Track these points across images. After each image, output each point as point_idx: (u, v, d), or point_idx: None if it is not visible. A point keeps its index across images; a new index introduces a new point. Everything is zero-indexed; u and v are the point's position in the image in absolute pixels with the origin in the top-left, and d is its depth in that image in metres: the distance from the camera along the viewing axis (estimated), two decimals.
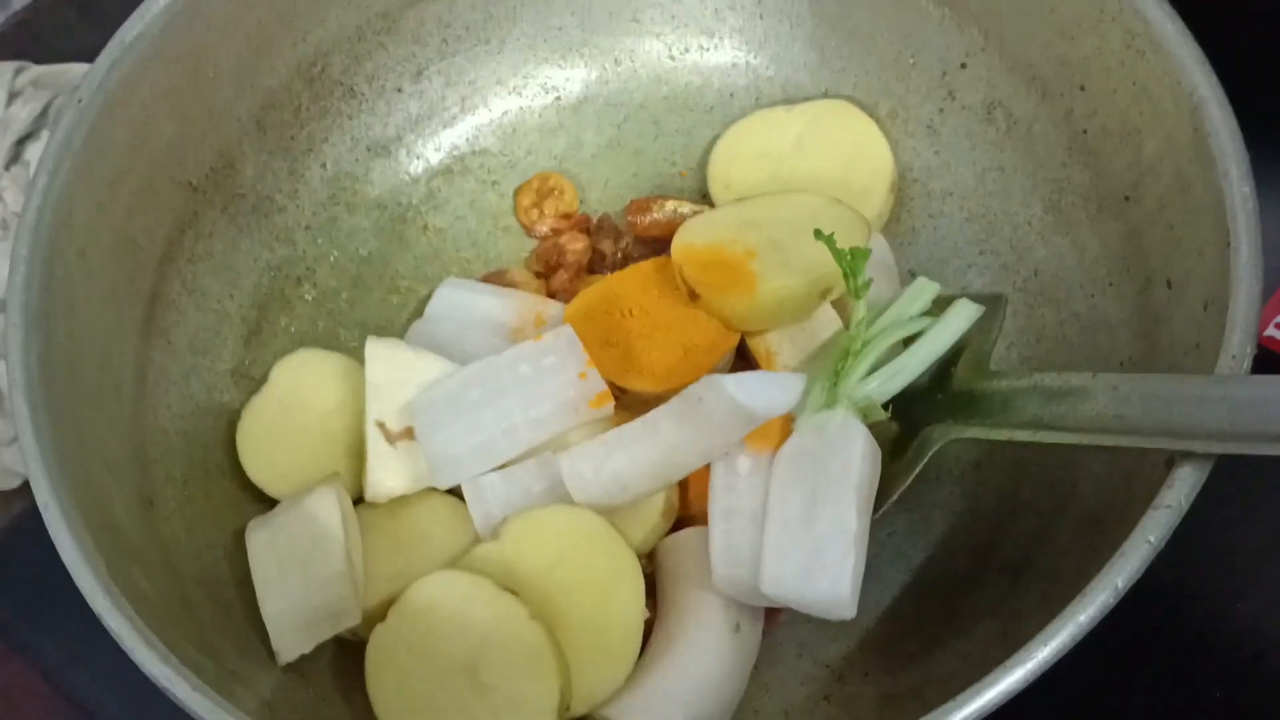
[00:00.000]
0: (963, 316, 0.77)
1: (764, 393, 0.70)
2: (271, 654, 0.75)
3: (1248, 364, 0.64)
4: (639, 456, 0.73)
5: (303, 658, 0.76)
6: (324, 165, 0.94)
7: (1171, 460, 0.63)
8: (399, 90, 0.96)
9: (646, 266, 0.86)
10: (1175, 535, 0.61)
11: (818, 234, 0.74)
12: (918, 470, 0.70)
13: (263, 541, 0.77)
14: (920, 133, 0.93)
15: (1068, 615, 0.59)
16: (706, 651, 0.75)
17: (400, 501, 0.81)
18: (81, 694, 0.90)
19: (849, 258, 0.73)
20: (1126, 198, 0.79)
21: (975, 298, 0.78)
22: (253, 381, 0.87)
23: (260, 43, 0.87)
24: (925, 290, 0.79)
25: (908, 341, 0.78)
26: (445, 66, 0.97)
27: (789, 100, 0.96)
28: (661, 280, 0.84)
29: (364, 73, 0.94)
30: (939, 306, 0.80)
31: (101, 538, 0.68)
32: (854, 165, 0.91)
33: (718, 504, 0.75)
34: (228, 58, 0.85)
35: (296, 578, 0.76)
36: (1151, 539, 0.60)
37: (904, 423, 0.71)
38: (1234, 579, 0.86)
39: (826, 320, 0.84)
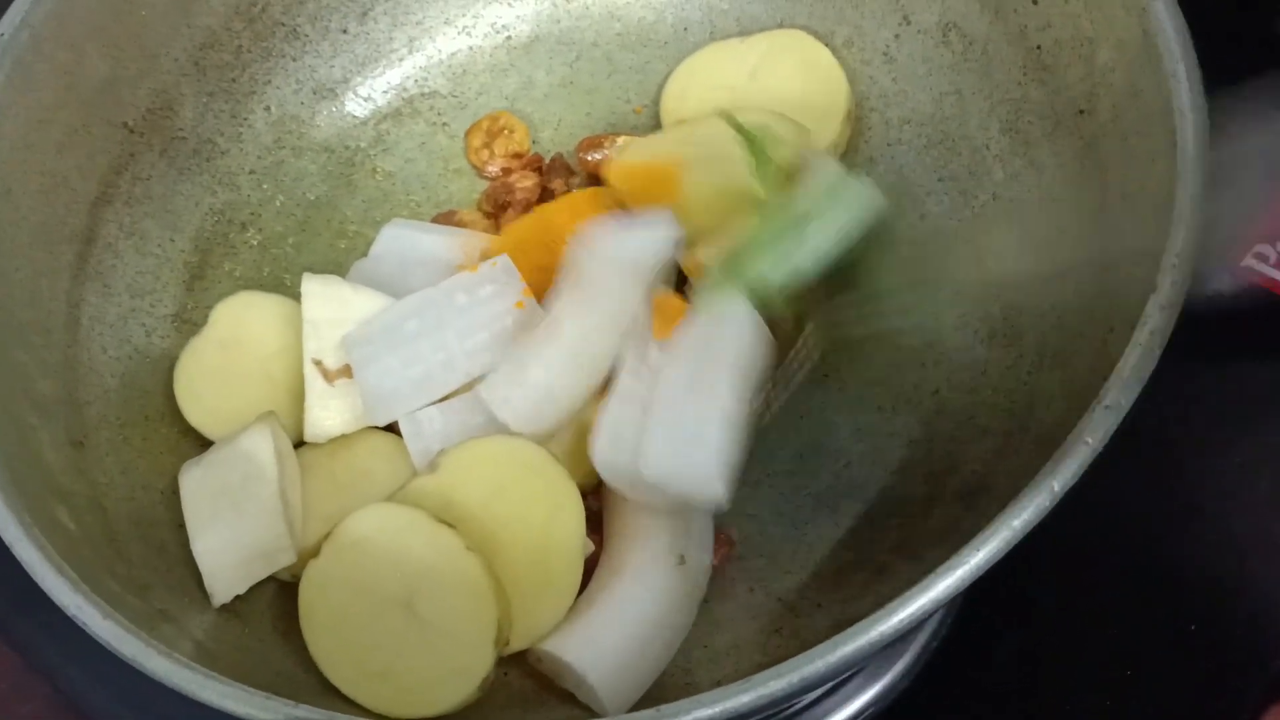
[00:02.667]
0: (856, 199, 0.73)
1: (633, 235, 0.68)
2: (207, 595, 0.73)
3: (1191, 266, 0.62)
4: (553, 359, 0.71)
5: (241, 599, 0.74)
6: (268, 108, 0.93)
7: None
8: (344, 31, 0.94)
9: (578, 196, 0.85)
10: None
11: (722, 113, 0.73)
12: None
13: (195, 480, 0.76)
14: (877, 60, 0.90)
15: (1002, 520, 0.57)
16: (649, 585, 0.72)
17: (340, 441, 0.79)
18: (78, 692, 0.88)
19: (754, 138, 0.71)
20: (1081, 111, 0.76)
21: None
22: (194, 327, 0.85)
23: None
24: (826, 169, 0.75)
25: None
26: (391, 6, 0.95)
27: (744, 32, 0.94)
28: (594, 208, 0.83)
29: (307, 13, 0.92)
30: None
31: (22, 473, 0.67)
32: (809, 94, 0.89)
33: (616, 386, 0.72)
34: None
35: (229, 516, 0.74)
36: (1090, 440, 0.58)
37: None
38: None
39: None
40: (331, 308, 0.79)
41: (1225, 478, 0.86)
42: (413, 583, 0.70)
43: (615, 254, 0.70)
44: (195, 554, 0.74)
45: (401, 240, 0.87)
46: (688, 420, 0.69)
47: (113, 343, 0.81)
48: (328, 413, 0.78)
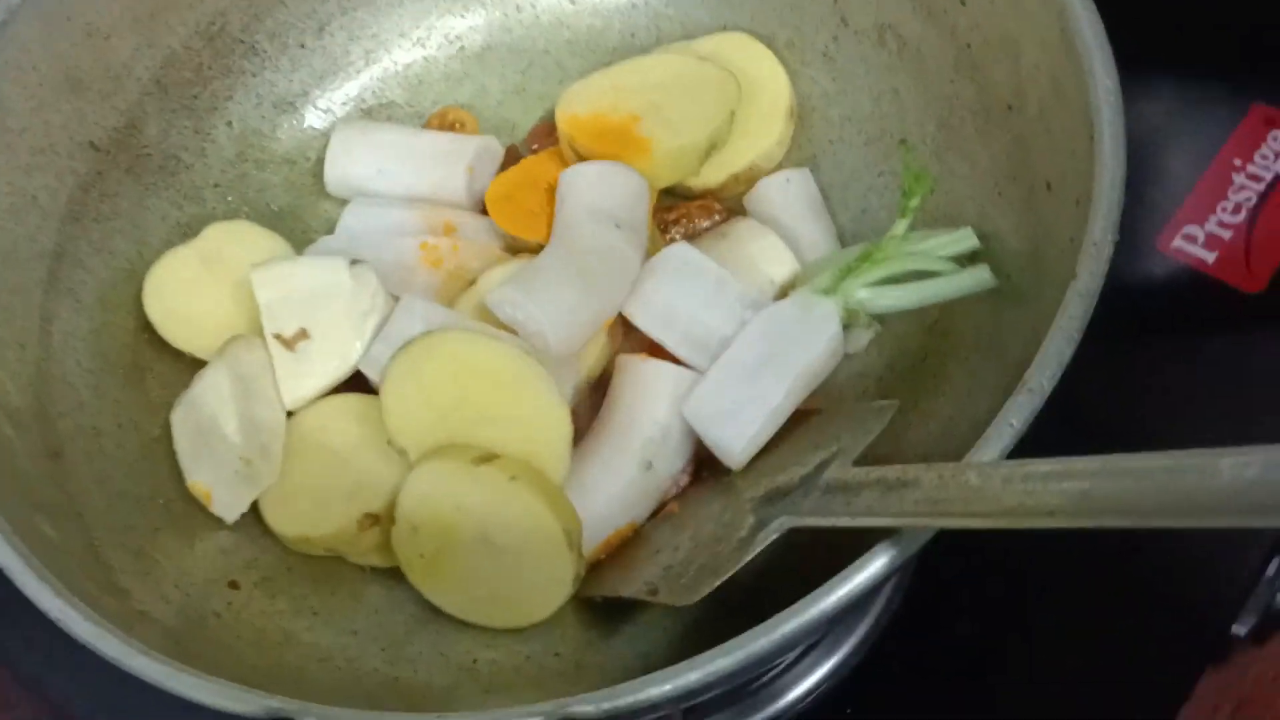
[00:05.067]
0: (976, 278, 0.78)
1: (600, 189, 0.84)
2: (186, 595, 0.76)
3: (1108, 252, 0.65)
4: (569, 279, 0.80)
5: (216, 597, 0.77)
6: (230, 123, 0.95)
7: None
8: (302, 46, 0.97)
9: (559, 149, 0.92)
10: None
11: (903, 144, 0.86)
12: (750, 556, 0.68)
13: (179, 419, 0.83)
14: (817, 61, 0.93)
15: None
16: (612, 476, 0.79)
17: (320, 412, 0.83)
18: (64, 700, 0.91)
19: (913, 179, 0.81)
20: (1010, 107, 0.79)
21: (866, 409, 0.77)
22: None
23: (154, 4, 0.88)
24: (964, 240, 0.81)
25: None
26: (347, 21, 0.98)
27: (689, 36, 0.97)
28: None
29: (265, 30, 0.95)
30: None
31: (2, 485, 0.69)
32: (753, 95, 0.92)
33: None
34: (122, 18, 0.86)
35: (206, 450, 0.81)
36: (1014, 423, 0.62)
37: (763, 516, 0.70)
38: None
39: (747, 230, 0.88)
40: (279, 287, 0.83)
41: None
42: (480, 521, 0.75)
43: (586, 204, 0.79)
44: (190, 487, 0.81)
45: (365, 215, 0.91)
46: (738, 396, 0.77)
47: (86, 355, 0.84)
48: (299, 379, 0.82)
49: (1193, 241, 0.92)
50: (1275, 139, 0.97)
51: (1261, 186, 0.95)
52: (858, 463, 0.69)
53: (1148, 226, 0.95)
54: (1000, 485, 0.56)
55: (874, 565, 0.60)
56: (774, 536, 0.67)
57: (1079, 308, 0.64)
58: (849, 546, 0.62)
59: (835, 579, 0.60)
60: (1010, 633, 0.87)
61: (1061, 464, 0.53)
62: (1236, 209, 0.95)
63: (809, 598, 0.60)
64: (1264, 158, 0.96)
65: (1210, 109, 0.99)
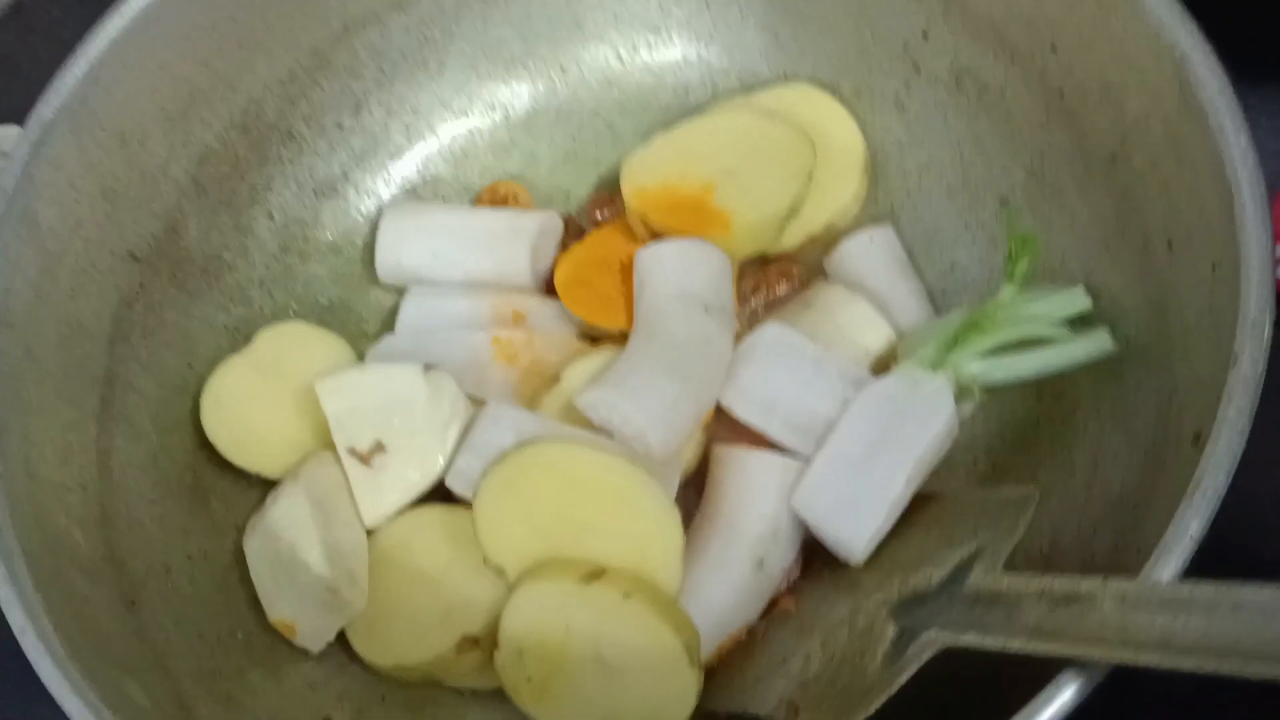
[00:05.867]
0: (1095, 345, 0.74)
1: (680, 271, 0.79)
2: None
3: (1268, 330, 0.61)
4: (663, 375, 0.75)
5: None
6: (271, 215, 0.90)
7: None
8: (340, 126, 0.92)
9: (625, 222, 0.87)
10: None
11: (1005, 205, 0.82)
12: (906, 677, 0.63)
13: (255, 550, 0.79)
14: (888, 109, 0.89)
15: None
16: (725, 578, 0.75)
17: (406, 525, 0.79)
18: None
19: (1019, 243, 0.76)
20: (1113, 158, 0.75)
21: (1004, 500, 0.71)
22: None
23: (187, 99, 0.83)
24: (1076, 301, 0.76)
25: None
26: (385, 96, 0.93)
27: (747, 90, 0.92)
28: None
29: (300, 114, 0.90)
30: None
31: (87, 654, 0.64)
32: (823, 149, 0.87)
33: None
34: (154, 120, 0.81)
35: (287, 582, 0.77)
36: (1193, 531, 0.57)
37: (906, 625, 0.66)
38: None
39: (834, 297, 0.84)
40: (348, 397, 0.78)
41: None
42: (592, 641, 0.70)
43: (669, 287, 0.76)
44: (272, 621, 0.76)
45: (424, 308, 0.86)
46: (854, 488, 0.73)
47: (147, 485, 0.79)
48: (378, 496, 0.78)
49: None
50: None
51: None
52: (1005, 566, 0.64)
53: None
54: (1206, 616, 0.52)
55: (1060, 699, 0.56)
56: (929, 655, 0.63)
57: (1244, 397, 0.60)
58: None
59: (1021, 714, 0.55)
60: None
61: None
62: None
63: None
64: None
65: None
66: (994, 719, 0.56)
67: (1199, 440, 0.61)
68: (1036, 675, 0.57)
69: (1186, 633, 0.52)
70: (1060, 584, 0.58)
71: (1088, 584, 0.57)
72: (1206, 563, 0.57)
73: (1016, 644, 0.58)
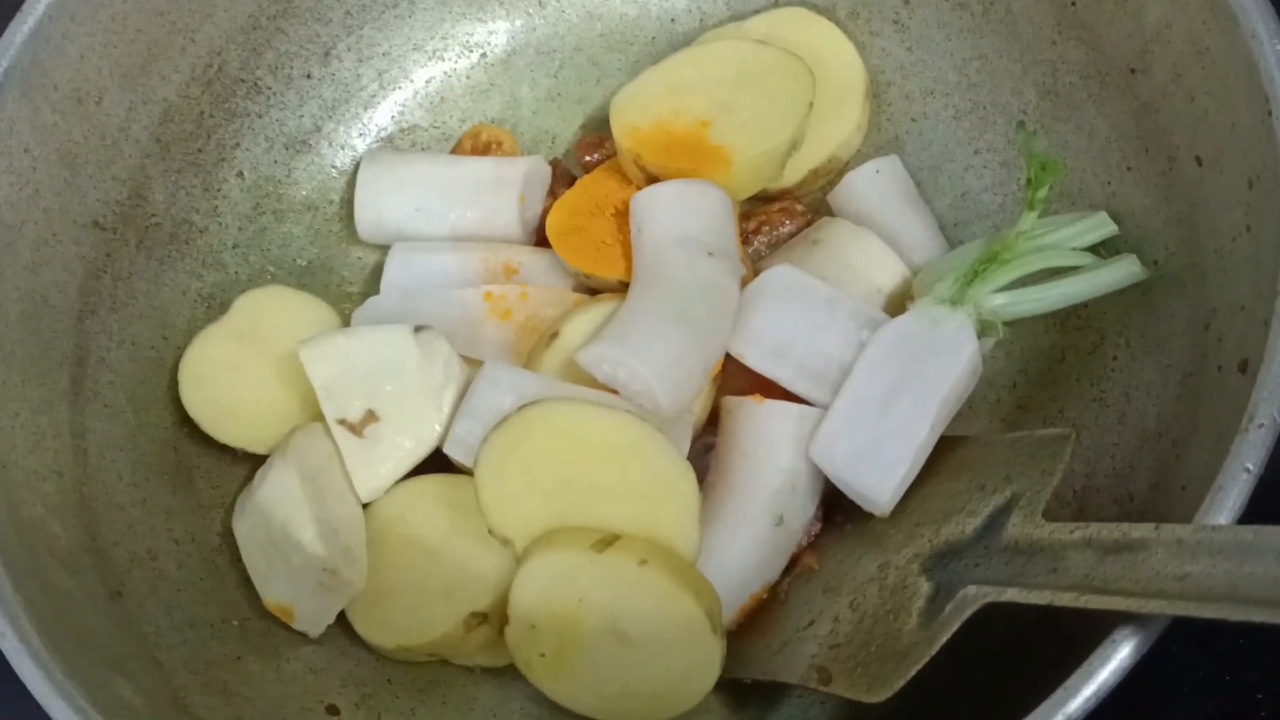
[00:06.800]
0: (1123, 271, 0.70)
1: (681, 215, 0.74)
2: None
3: None
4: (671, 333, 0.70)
5: None
6: (240, 174, 0.85)
7: None
8: (308, 76, 0.87)
9: (617, 163, 0.83)
10: None
11: (1021, 127, 0.76)
12: (946, 637, 0.59)
13: (245, 532, 0.75)
14: (887, 30, 0.85)
15: None
16: (741, 537, 0.71)
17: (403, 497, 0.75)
18: None
19: (1039, 167, 0.70)
20: (1133, 70, 0.71)
21: (1037, 440, 0.67)
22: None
23: (144, 53, 0.78)
24: (1100, 227, 0.72)
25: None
26: (354, 41, 0.88)
27: (737, 17, 0.88)
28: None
29: (266, 64, 0.85)
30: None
31: (71, 652, 0.61)
32: (822, 77, 0.82)
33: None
34: (111, 77, 0.77)
35: (280, 563, 0.73)
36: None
37: (941, 580, 0.62)
38: None
39: (842, 232, 0.79)
40: (335, 363, 0.74)
41: None
42: (608, 613, 0.67)
43: (669, 231, 0.72)
44: (267, 605, 0.72)
45: (411, 265, 0.82)
46: (876, 433, 0.69)
47: (126, 467, 0.75)
48: (372, 468, 0.74)
49: None
50: None
51: None
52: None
53: None
54: (1276, 561, 0.48)
55: (1118, 657, 0.52)
56: (969, 613, 0.59)
57: None
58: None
59: (1074, 677, 0.52)
60: None
61: None
62: None
63: (1048, 704, 0.52)
64: None
65: None
66: (1038, 684, 0.53)
67: (1246, 368, 0.58)
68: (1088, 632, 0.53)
69: (1255, 581, 0.48)
70: (1108, 531, 0.55)
71: (1139, 530, 0.53)
72: (1264, 507, 0.54)
73: (1066, 599, 0.54)
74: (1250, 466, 0.54)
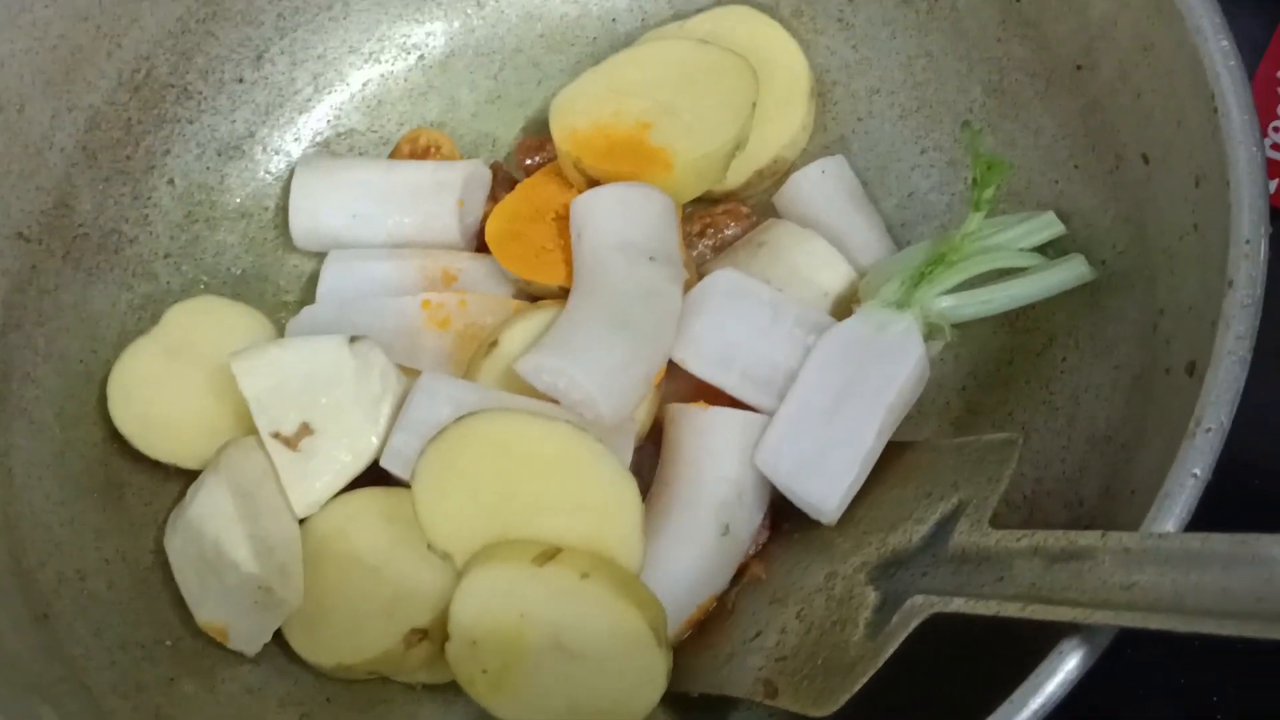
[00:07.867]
0: (1072, 272, 0.69)
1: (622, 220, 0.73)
2: None
3: (1264, 247, 0.56)
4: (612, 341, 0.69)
5: None
6: (171, 181, 0.83)
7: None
8: (240, 80, 0.85)
9: (558, 167, 0.81)
10: None
11: (966, 126, 0.75)
12: (893, 649, 0.58)
13: (176, 549, 0.72)
14: (831, 28, 0.84)
15: None
16: (691, 547, 0.69)
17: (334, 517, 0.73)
18: None
19: (985, 167, 0.68)
20: (1079, 67, 0.70)
21: (984, 446, 0.65)
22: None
23: (68, 59, 0.76)
24: (1048, 227, 0.71)
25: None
26: (288, 44, 0.86)
27: (679, 15, 0.87)
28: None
29: (196, 68, 0.83)
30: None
31: None
32: (766, 76, 0.81)
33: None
34: (33, 84, 0.75)
35: (214, 581, 0.71)
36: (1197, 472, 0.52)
37: (888, 590, 0.61)
38: None
39: (787, 234, 0.78)
40: (268, 375, 0.72)
41: None
42: (550, 627, 0.65)
43: (610, 237, 0.71)
44: (201, 625, 0.70)
45: (347, 274, 0.80)
46: (821, 441, 0.68)
47: (53, 485, 0.73)
48: (308, 481, 0.72)
49: None
50: None
51: None
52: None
53: None
54: (1223, 572, 0.47)
55: (1064, 670, 0.51)
56: (915, 624, 0.58)
57: (1244, 323, 0.55)
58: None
59: (1021, 690, 0.51)
60: None
61: None
62: None
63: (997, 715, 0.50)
64: None
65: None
66: (991, 693, 0.52)
67: (1194, 370, 0.56)
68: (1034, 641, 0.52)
69: (1202, 592, 0.47)
70: (1054, 539, 0.53)
71: (1085, 538, 0.52)
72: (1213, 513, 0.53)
73: (1012, 609, 0.53)
74: (1198, 472, 0.53)
